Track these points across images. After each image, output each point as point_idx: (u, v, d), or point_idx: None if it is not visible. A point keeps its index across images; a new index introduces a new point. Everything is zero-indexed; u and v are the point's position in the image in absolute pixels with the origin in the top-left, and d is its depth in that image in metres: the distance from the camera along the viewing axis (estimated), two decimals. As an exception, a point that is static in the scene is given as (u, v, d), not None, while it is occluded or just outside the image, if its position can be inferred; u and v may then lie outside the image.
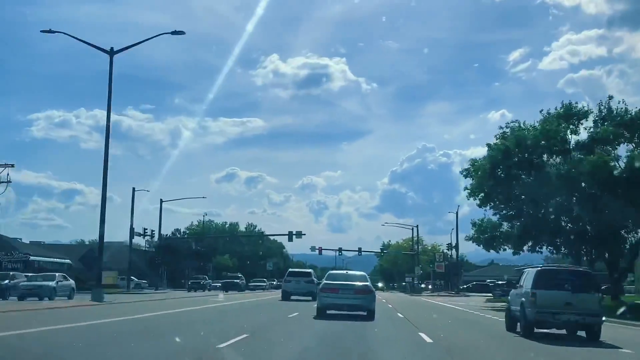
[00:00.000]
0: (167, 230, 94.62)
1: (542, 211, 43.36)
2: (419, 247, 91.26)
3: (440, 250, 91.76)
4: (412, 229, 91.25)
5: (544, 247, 46.17)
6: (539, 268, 19.71)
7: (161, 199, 72.36)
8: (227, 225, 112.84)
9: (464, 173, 48.24)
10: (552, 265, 27.32)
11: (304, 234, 76.44)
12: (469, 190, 47.93)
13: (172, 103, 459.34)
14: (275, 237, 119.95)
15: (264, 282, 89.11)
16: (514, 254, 47.48)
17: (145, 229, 68.47)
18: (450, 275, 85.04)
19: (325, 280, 25.58)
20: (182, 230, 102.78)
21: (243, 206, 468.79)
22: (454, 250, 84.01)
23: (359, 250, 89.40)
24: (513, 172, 44.09)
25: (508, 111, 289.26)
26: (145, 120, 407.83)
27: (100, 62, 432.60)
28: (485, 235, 48.29)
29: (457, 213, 75.72)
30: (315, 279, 42.57)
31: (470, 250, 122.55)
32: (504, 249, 48.91)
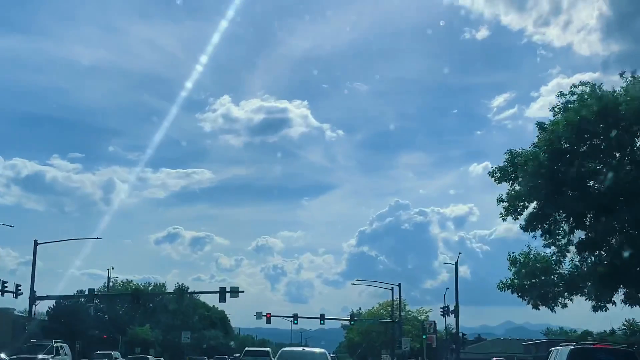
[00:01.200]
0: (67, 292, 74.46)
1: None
2: (402, 313, 72.70)
3: (428, 318, 73.44)
4: (392, 288, 73.15)
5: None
6: (572, 347, 19.23)
7: (36, 240, 52.73)
8: (150, 288, 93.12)
9: (497, 174, 30.81)
10: (587, 342, 25.87)
11: (242, 291, 57.80)
12: (505, 204, 30.27)
13: (105, 151, 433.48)
14: (214, 304, 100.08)
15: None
16: (594, 308, 29.24)
17: (4, 283, 47.99)
18: (446, 351, 66.29)
19: (278, 359, 23.05)
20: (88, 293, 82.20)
21: (187, 271, 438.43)
22: (446, 319, 65.77)
23: (322, 317, 70.47)
24: (590, 165, 26.78)
25: (492, 163, 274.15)
26: (73, 171, 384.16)
27: (22, 103, 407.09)
28: (534, 281, 30.40)
29: (456, 263, 57.54)
30: (273, 359, 39.35)
31: (449, 322, 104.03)
32: (564, 305, 30.78)
